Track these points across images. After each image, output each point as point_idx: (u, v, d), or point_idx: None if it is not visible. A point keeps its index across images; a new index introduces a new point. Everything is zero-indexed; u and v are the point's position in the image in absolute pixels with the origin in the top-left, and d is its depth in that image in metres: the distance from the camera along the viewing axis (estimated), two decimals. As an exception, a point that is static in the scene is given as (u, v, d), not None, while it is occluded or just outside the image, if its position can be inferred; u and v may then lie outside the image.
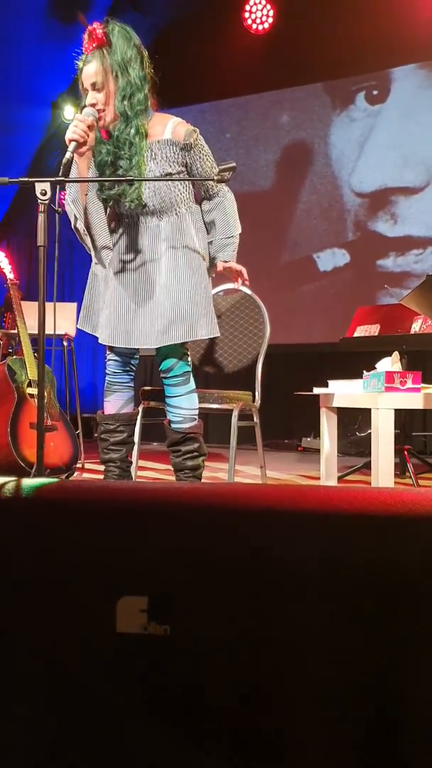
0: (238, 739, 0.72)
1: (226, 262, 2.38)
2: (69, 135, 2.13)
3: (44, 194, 1.92)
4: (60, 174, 2.06)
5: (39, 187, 1.92)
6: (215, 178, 2.16)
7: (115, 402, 2.43)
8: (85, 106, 2.25)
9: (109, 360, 2.43)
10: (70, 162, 2.10)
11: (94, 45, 2.21)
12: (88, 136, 2.15)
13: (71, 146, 2.11)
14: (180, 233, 2.27)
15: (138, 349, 2.43)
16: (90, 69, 2.21)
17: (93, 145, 2.22)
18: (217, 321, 2.36)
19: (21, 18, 5.41)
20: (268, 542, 0.73)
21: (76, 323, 2.47)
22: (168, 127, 2.27)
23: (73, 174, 2.21)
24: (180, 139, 2.26)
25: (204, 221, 2.40)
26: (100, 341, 2.35)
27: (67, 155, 2.10)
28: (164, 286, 2.25)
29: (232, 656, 0.73)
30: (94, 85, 2.21)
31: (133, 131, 2.21)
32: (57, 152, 6.60)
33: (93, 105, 2.21)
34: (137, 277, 2.29)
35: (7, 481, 0.87)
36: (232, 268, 2.40)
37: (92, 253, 2.31)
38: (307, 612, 0.73)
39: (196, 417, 2.40)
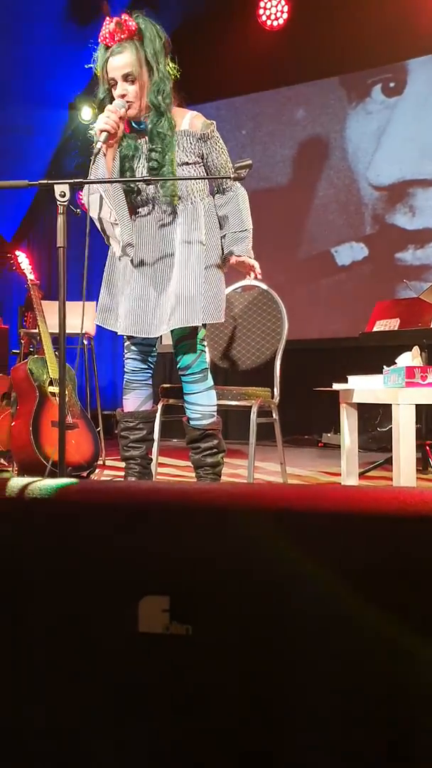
0: (251, 738, 0.73)
1: (240, 256, 2.38)
2: (100, 125, 2.14)
3: (63, 196, 1.93)
4: (91, 163, 2.11)
5: (58, 189, 1.93)
6: (232, 175, 2.16)
7: (134, 400, 2.44)
8: (102, 97, 2.26)
9: (128, 358, 2.44)
10: (99, 152, 2.11)
11: (124, 36, 2.19)
12: (119, 127, 2.17)
13: (102, 136, 2.12)
14: (194, 222, 2.28)
15: (156, 346, 2.45)
16: (122, 59, 2.19)
17: (121, 137, 2.23)
18: (225, 309, 2.39)
19: (38, 20, 5.44)
20: (290, 543, 0.74)
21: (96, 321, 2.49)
22: (186, 119, 2.29)
23: (100, 164, 2.19)
24: (197, 130, 2.27)
25: (217, 215, 2.40)
26: (120, 332, 2.34)
27: (99, 145, 2.12)
28: (177, 277, 2.25)
29: (253, 656, 0.74)
30: (126, 77, 2.20)
31: (167, 125, 2.23)
32: (75, 153, 6.64)
33: (123, 96, 2.21)
34: (154, 268, 2.30)
35: (31, 482, 0.89)
36: (245, 262, 2.40)
37: (117, 245, 2.28)
38: (329, 614, 0.73)
39: (215, 414, 2.40)
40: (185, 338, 2.33)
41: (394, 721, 0.70)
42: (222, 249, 2.39)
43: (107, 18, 2.22)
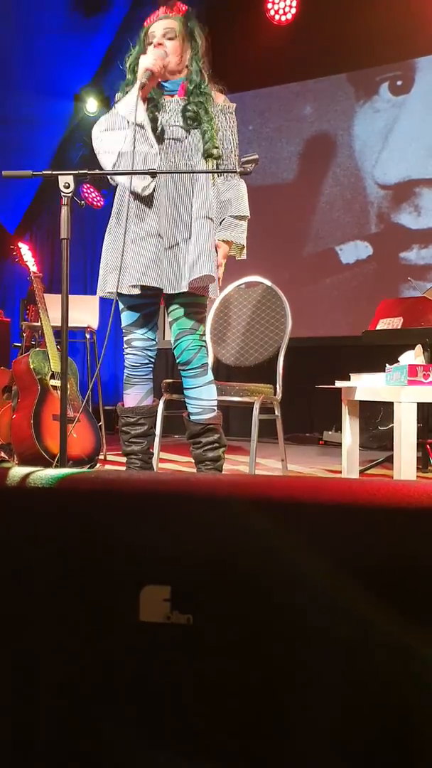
0: (251, 730, 0.73)
1: (229, 242, 2.38)
2: (146, 63, 2.19)
3: (67, 187, 1.93)
4: (123, 94, 2.18)
5: (62, 180, 1.93)
6: (238, 170, 2.15)
7: (135, 395, 2.44)
8: (136, 56, 2.30)
9: (128, 353, 2.44)
10: (143, 86, 2.16)
11: (173, 13, 2.31)
12: (161, 73, 2.23)
13: (146, 75, 2.17)
14: (207, 186, 2.29)
15: (156, 340, 2.44)
16: (166, 22, 2.30)
17: (155, 85, 2.27)
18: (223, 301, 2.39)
19: (44, 10, 5.42)
20: (291, 534, 0.74)
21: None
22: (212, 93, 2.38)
23: (130, 99, 2.17)
24: (219, 102, 2.37)
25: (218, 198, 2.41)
26: (133, 282, 2.25)
27: (142, 80, 2.16)
28: (195, 242, 2.24)
29: (254, 647, 0.73)
30: (166, 33, 2.29)
31: (208, 88, 2.32)
32: (79, 144, 6.62)
33: (160, 45, 2.27)
34: (172, 225, 2.29)
35: (32, 471, 0.88)
36: (223, 256, 2.38)
37: (140, 179, 2.19)
38: (329, 604, 0.73)
39: (216, 408, 2.40)
40: (186, 333, 2.33)
41: (395, 707, 0.69)
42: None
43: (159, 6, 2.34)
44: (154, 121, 2.28)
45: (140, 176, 2.20)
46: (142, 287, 2.26)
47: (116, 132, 2.18)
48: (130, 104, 2.16)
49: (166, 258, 2.27)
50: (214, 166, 2.33)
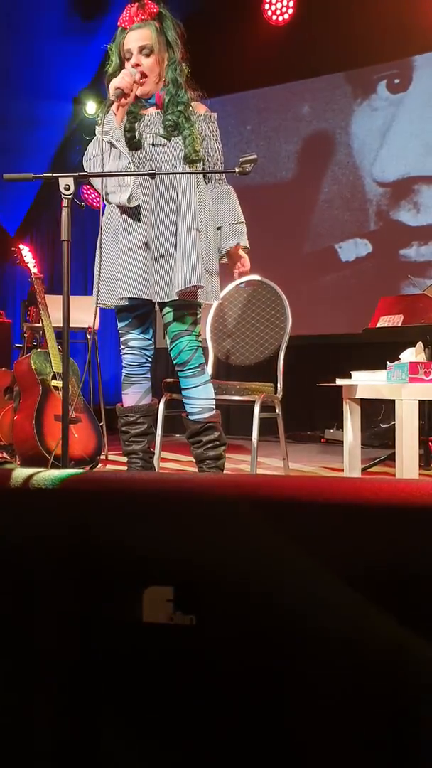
0: (256, 729, 0.73)
1: (246, 248, 2.43)
2: (116, 82, 2.18)
3: (68, 189, 1.93)
4: (102, 117, 2.16)
5: (62, 182, 1.93)
6: (237, 170, 2.16)
7: (134, 394, 2.44)
8: (112, 71, 2.29)
9: (126, 353, 2.45)
10: (110, 105, 2.16)
11: (144, 17, 2.25)
12: (131, 90, 2.21)
13: (115, 93, 2.16)
14: (191, 194, 2.28)
15: (153, 340, 2.44)
16: (140, 33, 2.25)
17: (130, 103, 2.25)
18: (220, 297, 2.44)
19: (42, 13, 5.42)
20: (294, 534, 0.74)
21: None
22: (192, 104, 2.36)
23: (111, 119, 2.19)
24: (200, 112, 2.35)
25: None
26: (123, 295, 2.29)
27: (111, 97, 2.16)
28: (181, 249, 2.25)
29: (256, 648, 0.74)
30: (142, 49, 2.25)
31: (186, 97, 2.29)
32: (79, 147, 6.62)
33: (137, 66, 2.25)
34: (159, 232, 2.29)
35: (35, 473, 0.89)
36: (243, 257, 2.42)
37: (126, 193, 2.20)
38: (330, 604, 0.73)
39: (214, 407, 2.41)
40: (182, 334, 2.34)
41: (398, 709, 0.70)
42: (220, 241, 2.41)
43: (128, 5, 2.27)
44: (132, 131, 2.29)
45: (120, 189, 2.20)
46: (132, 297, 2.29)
47: (98, 158, 2.19)
48: (105, 126, 2.19)
49: (153, 268, 2.28)
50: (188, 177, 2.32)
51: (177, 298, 2.27)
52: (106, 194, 2.23)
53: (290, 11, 5.89)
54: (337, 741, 0.73)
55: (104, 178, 2.20)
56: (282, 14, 5.92)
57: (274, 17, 5.94)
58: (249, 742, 0.74)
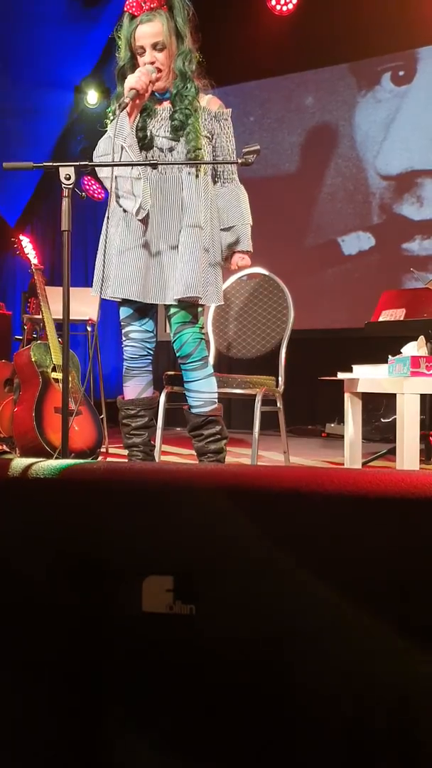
0: (258, 720, 0.73)
1: (249, 251, 2.42)
2: (131, 83, 2.14)
3: (68, 179, 1.92)
4: (116, 118, 2.12)
5: (63, 171, 1.92)
6: (239, 161, 2.14)
7: (135, 387, 2.43)
8: (123, 65, 2.26)
9: (127, 345, 2.43)
10: (125, 106, 2.12)
11: (153, 5, 2.19)
12: (147, 90, 2.18)
13: (131, 93, 2.13)
14: (197, 194, 2.27)
15: (154, 332, 2.43)
16: (153, 27, 2.20)
17: (145, 101, 2.23)
18: (223, 293, 2.41)
19: (43, 0, 5.39)
20: (293, 523, 0.73)
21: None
22: (204, 99, 2.33)
23: (125, 123, 2.16)
24: (212, 108, 2.31)
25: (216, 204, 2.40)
26: (117, 295, 2.28)
27: (125, 100, 2.12)
28: (182, 253, 2.25)
29: (256, 638, 0.73)
30: (155, 45, 2.21)
31: (193, 90, 2.25)
32: (80, 137, 6.60)
33: (152, 63, 2.22)
34: (164, 233, 2.28)
35: (34, 462, 0.88)
36: (245, 261, 2.42)
37: (133, 202, 2.20)
38: (329, 595, 0.73)
39: (216, 400, 2.40)
40: (185, 326, 2.33)
41: (399, 702, 0.69)
42: (223, 241, 2.40)
43: None
44: (144, 130, 2.27)
45: (129, 199, 2.20)
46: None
47: (108, 157, 2.16)
48: (118, 126, 2.16)
49: (152, 269, 2.27)
50: (204, 172, 2.30)
51: (171, 303, 2.27)
52: (118, 197, 2.22)
53: (294, 1, 5.85)
54: (335, 730, 0.72)
55: (117, 178, 2.18)
56: (286, 4, 5.88)
57: (279, 7, 5.90)
58: (248, 731, 0.73)
